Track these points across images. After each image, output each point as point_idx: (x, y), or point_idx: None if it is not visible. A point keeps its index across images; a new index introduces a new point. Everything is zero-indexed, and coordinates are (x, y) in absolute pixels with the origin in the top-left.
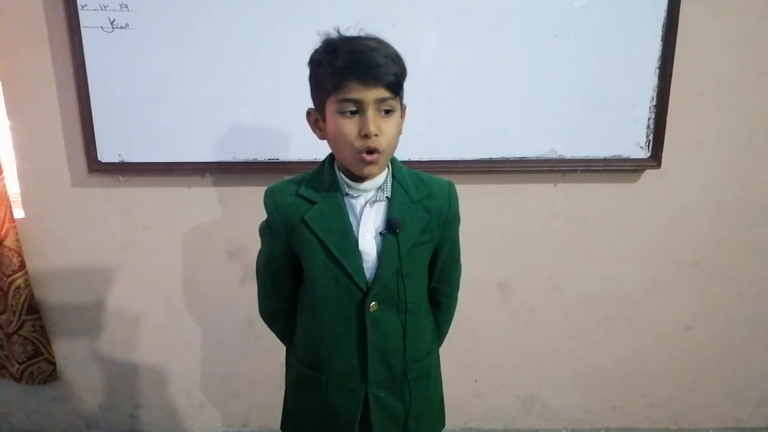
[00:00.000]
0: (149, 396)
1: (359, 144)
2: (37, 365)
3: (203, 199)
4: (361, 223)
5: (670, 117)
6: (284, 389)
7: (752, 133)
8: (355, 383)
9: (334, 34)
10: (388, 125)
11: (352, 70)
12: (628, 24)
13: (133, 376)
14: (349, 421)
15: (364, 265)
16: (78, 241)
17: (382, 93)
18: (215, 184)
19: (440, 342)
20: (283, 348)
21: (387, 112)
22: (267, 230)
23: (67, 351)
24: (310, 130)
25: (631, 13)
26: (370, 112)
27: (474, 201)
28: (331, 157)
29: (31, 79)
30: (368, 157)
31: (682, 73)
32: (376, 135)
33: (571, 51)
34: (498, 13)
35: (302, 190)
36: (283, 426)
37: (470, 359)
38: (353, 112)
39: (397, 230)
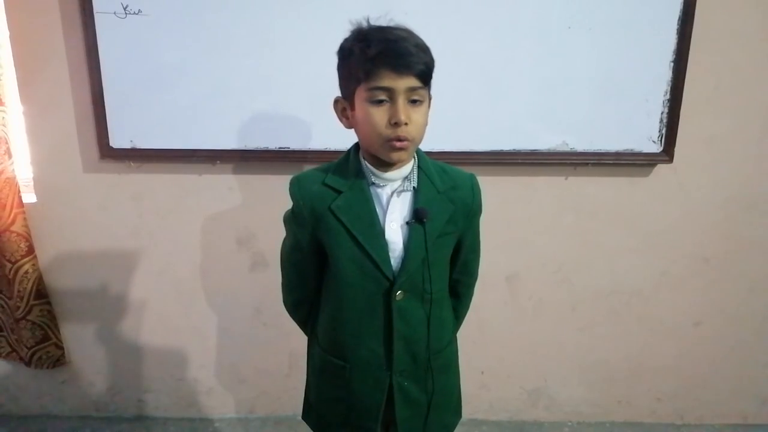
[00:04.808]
0: (157, 381)
1: (389, 132)
2: (46, 350)
3: (214, 187)
4: (388, 212)
5: (683, 111)
6: (306, 379)
7: (766, 129)
8: (379, 372)
9: (363, 24)
10: (417, 114)
11: (385, 58)
12: (643, 16)
13: (141, 362)
14: (373, 409)
15: (391, 255)
16: (89, 227)
17: (413, 82)
18: (226, 171)
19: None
20: (291, 337)
21: (416, 101)
22: (292, 219)
23: (76, 335)
24: (323, 120)
25: (647, 4)
26: (401, 101)
27: (484, 193)
28: (356, 147)
29: (44, 65)
30: (398, 143)
31: (696, 66)
32: (406, 124)
33: (584, 43)
34: (511, 4)
35: (328, 179)
36: (305, 415)
37: (477, 351)
38: (384, 101)
39: (424, 220)
